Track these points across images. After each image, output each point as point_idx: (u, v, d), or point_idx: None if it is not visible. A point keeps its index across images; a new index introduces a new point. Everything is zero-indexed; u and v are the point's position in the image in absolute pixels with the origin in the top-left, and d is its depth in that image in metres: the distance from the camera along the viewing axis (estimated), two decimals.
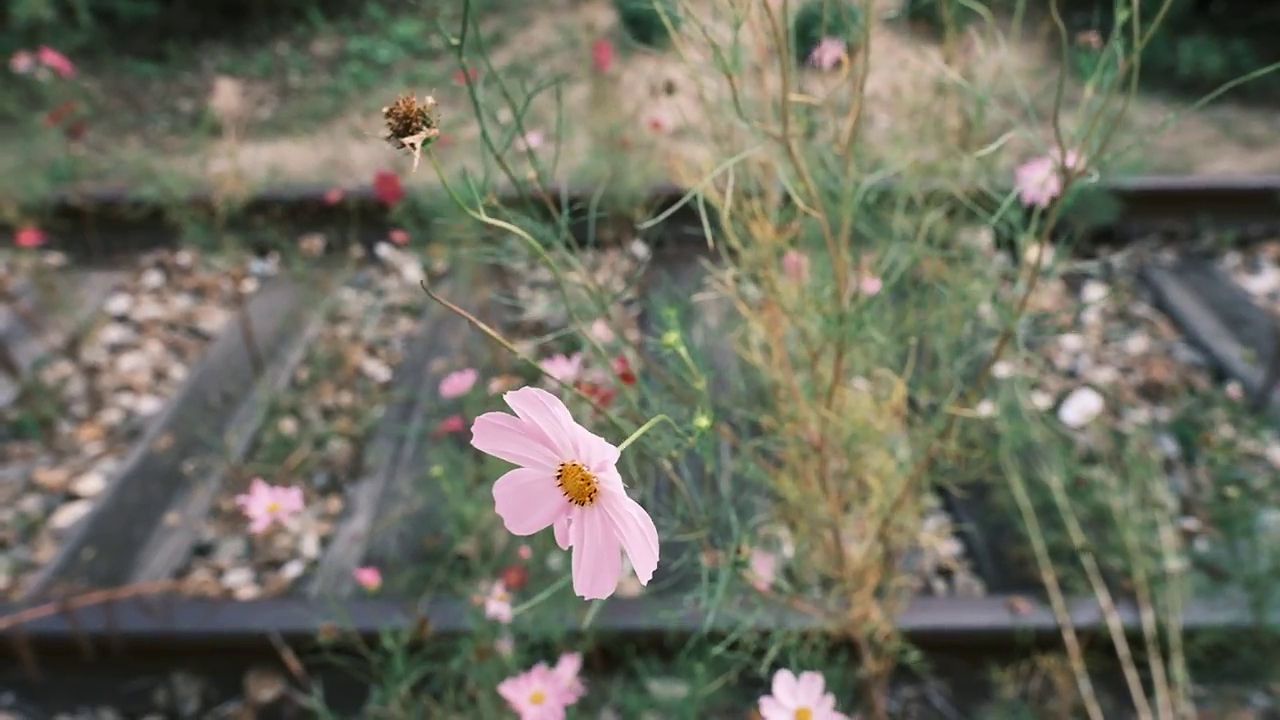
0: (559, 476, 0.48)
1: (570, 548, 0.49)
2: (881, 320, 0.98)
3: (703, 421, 0.68)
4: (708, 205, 0.96)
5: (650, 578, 0.45)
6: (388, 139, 0.50)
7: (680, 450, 0.67)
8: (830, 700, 0.88)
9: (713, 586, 0.85)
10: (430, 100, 0.50)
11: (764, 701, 0.88)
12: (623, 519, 0.45)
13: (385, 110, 0.50)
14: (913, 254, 0.98)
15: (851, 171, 0.88)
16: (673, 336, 0.77)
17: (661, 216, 0.84)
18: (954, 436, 0.97)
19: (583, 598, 0.50)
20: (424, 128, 0.50)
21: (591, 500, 0.47)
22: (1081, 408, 2.15)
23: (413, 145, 0.50)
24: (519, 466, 0.48)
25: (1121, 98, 0.78)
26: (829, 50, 1.05)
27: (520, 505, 0.49)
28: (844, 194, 0.89)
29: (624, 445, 0.48)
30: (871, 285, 1.28)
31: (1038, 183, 0.96)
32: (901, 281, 1.27)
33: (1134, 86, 0.72)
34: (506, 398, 0.45)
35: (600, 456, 0.45)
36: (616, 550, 0.47)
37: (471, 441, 0.47)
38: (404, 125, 0.50)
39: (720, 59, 0.79)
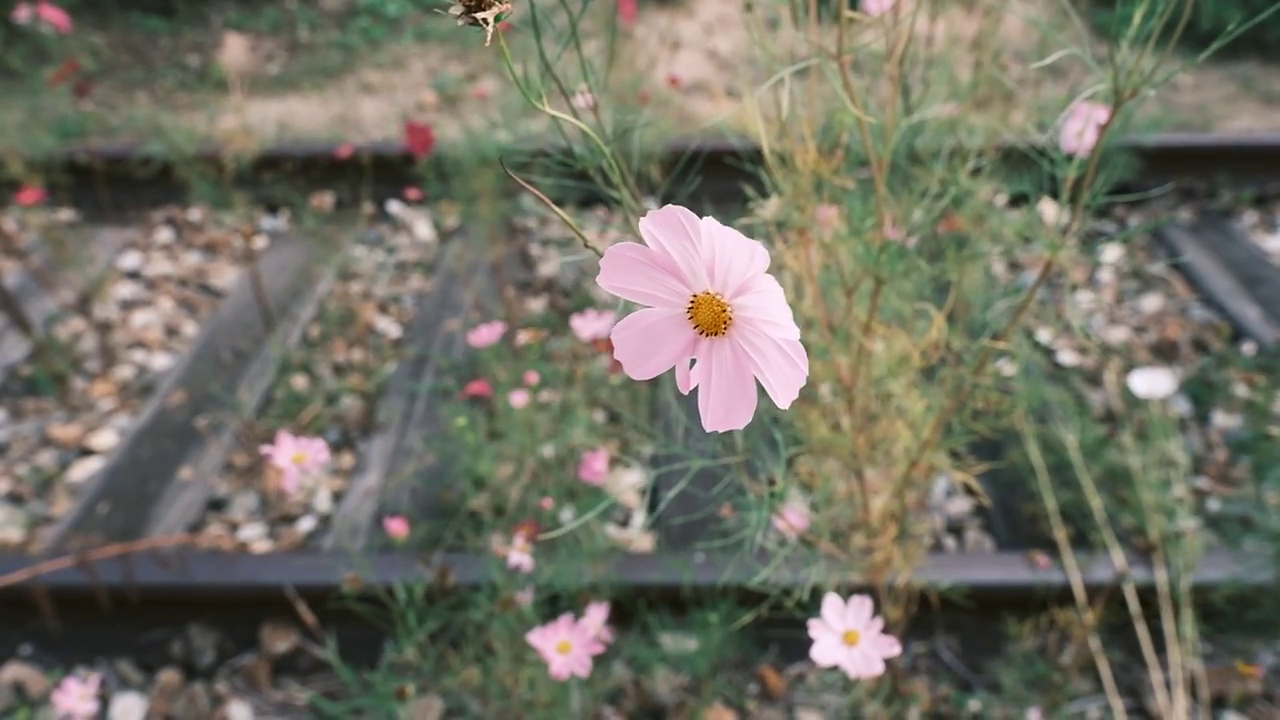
0: (690, 310, 0.46)
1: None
2: (913, 266, 0.98)
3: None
4: (738, 152, 0.95)
5: (793, 398, 0.45)
6: (459, 16, 0.48)
7: None
8: (879, 623, 0.89)
9: (751, 517, 0.85)
10: None
11: (812, 623, 0.89)
12: (760, 343, 0.45)
13: None
14: (932, 214, 0.97)
15: (896, 100, 0.87)
16: None
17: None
18: (986, 378, 0.97)
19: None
20: (496, 2, 0.48)
21: (723, 331, 0.46)
22: (1151, 382, 2.13)
23: (484, 20, 0.47)
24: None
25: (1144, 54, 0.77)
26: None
27: (642, 348, 0.48)
28: (887, 126, 0.88)
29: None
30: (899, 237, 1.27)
31: (1075, 134, 0.95)
32: (925, 237, 1.26)
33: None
34: (642, 222, 0.44)
35: (743, 273, 0.44)
36: (749, 381, 0.46)
37: (597, 279, 0.46)
38: None
39: None
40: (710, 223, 0.43)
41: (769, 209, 0.95)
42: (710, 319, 0.46)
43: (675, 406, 0.93)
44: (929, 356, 0.95)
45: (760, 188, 0.99)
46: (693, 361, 0.48)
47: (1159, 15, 0.75)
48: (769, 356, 0.45)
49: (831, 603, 0.89)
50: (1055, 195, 0.94)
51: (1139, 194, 1.55)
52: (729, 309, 0.45)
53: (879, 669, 0.87)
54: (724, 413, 0.47)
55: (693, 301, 0.46)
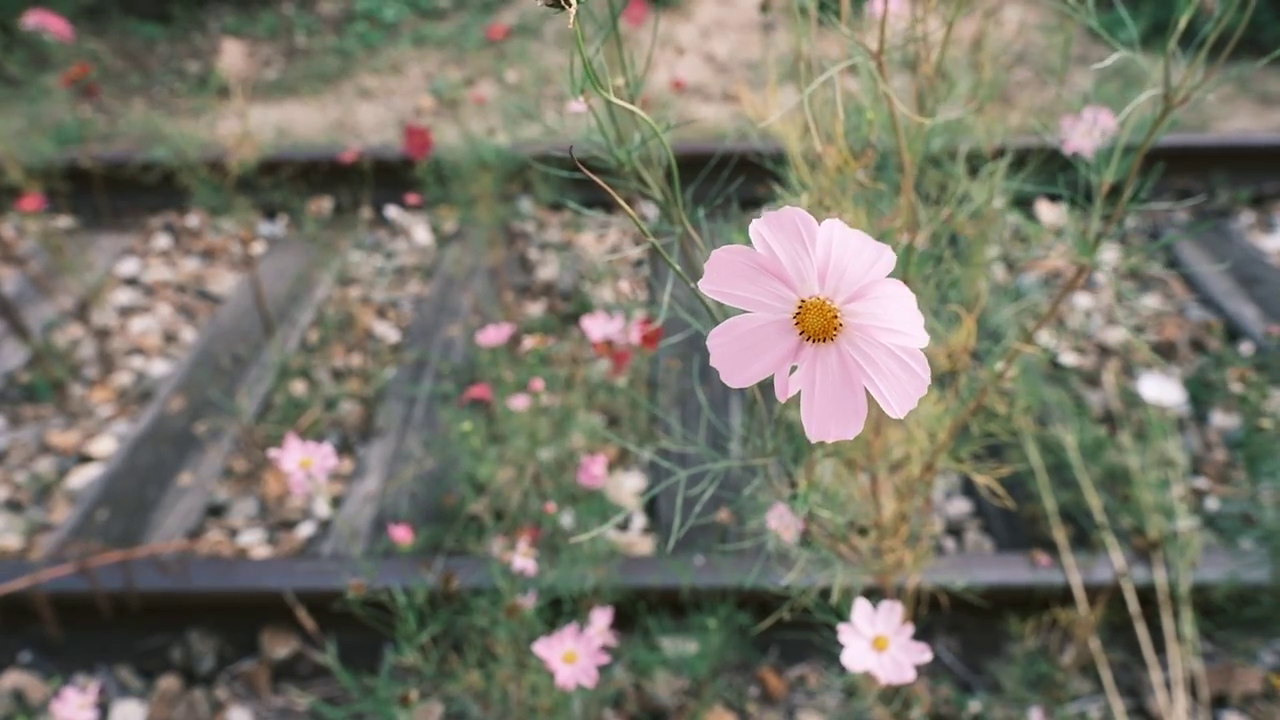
0: (796, 315, 0.44)
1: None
2: (937, 267, 0.98)
3: None
4: (761, 153, 0.95)
5: (910, 408, 0.43)
6: (546, 2, 0.48)
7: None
8: (910, 629, 0.87)
9: (767, 518, 0.85)
10: None
11: (841, 628, 0.87)
12: (871, 351, 0.43)
13: None
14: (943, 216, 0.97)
15: (927, 100, 0.87)
16: None
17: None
18: (1005, 381, 0.97)
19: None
20: None
21: (831, 338, 0.44)
22: (1160, 390, 2.14)
23: (566, 3, 0.47)
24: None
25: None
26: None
27: (740, 354, 0.45)
28: (911, 126, 0.88)
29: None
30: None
31: (1082, 134, 0.96)
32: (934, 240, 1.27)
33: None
34: (754, 224, 0.42)
35: (858, 279, 0.42)
36: (858, 390, 0.44)
37: (699, 284, 0.44)
38: None
39: None
40: (834, 225, 0.42)
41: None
42: (818, 325, 0.44)
43: (674, 414, 0.93)
44: (956, 360, 0.94)
45: (773, 188, 0.99)
46: (793, 369, 0.46)
47: (1216, 22, 0.76)
48: (881, 365, 0.43)
49: (861, 607, 0.88)
50: (1089, 199, 0.95)
51: (1173, 203, 1.55)
52: (839, 315, 0.44)
53: (910, 675, 0.85)
54: (830, 422, 0.45)
55: (800, 307, 0.44)
